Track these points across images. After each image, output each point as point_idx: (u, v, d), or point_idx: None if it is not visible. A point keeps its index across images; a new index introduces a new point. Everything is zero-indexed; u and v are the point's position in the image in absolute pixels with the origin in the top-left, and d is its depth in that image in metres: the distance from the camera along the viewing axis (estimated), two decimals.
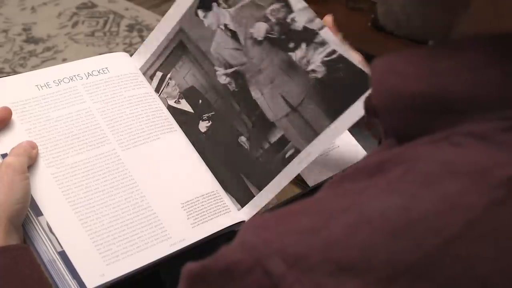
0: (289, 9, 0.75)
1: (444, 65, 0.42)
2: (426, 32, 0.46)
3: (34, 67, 2.14)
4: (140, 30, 2.34)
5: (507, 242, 0.37)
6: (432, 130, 0.42)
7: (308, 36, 0.74)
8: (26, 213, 0.66)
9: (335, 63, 0.72)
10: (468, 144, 0.39)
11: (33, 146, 0.70)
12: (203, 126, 0.82)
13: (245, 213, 0.77)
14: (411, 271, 0.36)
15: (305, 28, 0.74)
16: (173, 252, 0.71)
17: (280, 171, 0.75)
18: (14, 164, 0.66)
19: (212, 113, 0.82)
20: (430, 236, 0.36)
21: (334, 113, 0.72)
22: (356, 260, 0.36)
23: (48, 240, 0.66)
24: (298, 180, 0.83)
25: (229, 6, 0.79)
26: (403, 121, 0.44)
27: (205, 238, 0.73)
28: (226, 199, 0.78)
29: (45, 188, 0.69)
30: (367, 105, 0.49)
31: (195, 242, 0.73)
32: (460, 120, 0.41)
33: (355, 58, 0.71)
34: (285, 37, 0.76)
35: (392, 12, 0.47)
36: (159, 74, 0.86)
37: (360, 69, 0.70)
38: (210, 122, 0.82)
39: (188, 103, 0.84)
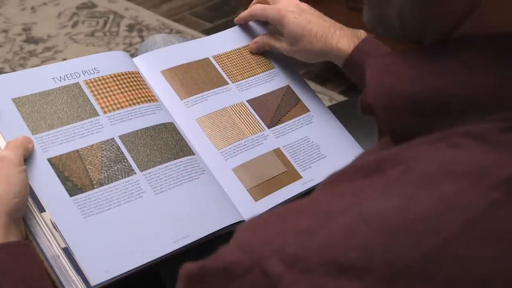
0: None
1: (441, 66, 0.42)
2: (421, 37, 0.46)
3: (34, 67, 2.12)
4: (140, 30, 2.33)
5: (506, 242, 0.37)
6: (429, 130, 0.42)
7: None
8: (25, 207, 0.66)
9: None
10: (466, 145, 0.39)
11: (29, 141, 0.70)
12: None
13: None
14: (409, 271, 0.36)
15: None
16: (177, 249, 0.71)
17: None
18: (10, 157, 0.65)
19: None
20: (428, 236, 0.36)
21: None
22: (355, 261, 0.36)
23: (51, 236, 0.66)
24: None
25: None
26: (399, 120, 0.44)
27: (205, 237, 0.73)
28: None
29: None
30: (363, 103, 0.49)
31: (198, 240, 0.73)
32: (458, 121, 0.41)
33: None
34: None
35: (385, 17, 0.46)
36: None
37: None
38: None
39: None
